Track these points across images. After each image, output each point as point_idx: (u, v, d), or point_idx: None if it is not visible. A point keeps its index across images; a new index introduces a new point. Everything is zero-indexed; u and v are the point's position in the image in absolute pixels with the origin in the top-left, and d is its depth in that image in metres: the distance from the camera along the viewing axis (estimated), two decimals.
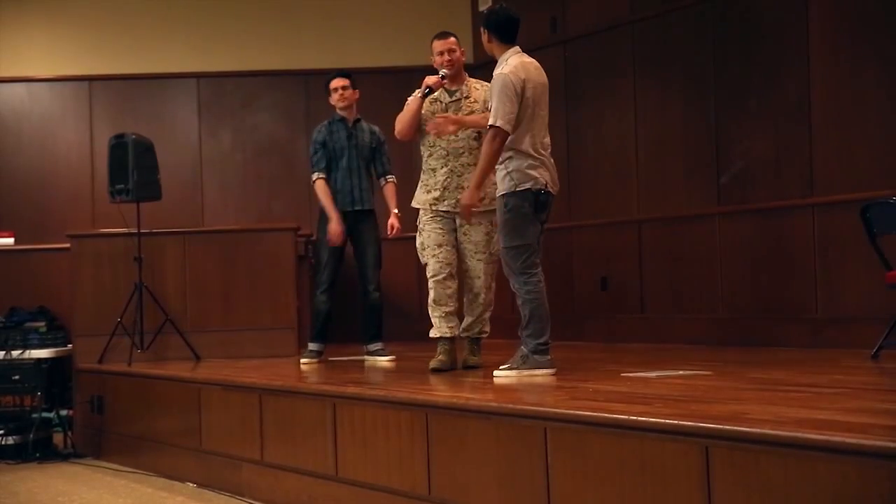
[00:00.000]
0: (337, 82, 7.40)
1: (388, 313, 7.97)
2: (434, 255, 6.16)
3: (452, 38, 6.24)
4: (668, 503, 3.57)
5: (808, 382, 4.99)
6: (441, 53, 6.22)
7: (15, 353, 8.03)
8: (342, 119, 7.40)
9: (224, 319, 8.02)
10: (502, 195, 5.44)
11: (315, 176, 7.32)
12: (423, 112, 6.26)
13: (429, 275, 6.20)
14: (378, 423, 4.99)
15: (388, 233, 7.33)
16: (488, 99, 5.63)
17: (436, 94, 6.25)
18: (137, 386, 7.28)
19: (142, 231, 7.73)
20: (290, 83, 10.14)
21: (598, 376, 5.30)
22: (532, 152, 5.38)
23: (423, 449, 4.69)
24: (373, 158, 7.46)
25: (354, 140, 7.37)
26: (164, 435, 6.91)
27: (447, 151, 6.21)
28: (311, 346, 7.30)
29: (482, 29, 5.60)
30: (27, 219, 9.78)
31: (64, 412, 8.03)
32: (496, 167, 5.47)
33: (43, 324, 8.64)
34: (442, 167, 6.21)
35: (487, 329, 6.30)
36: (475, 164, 5.87)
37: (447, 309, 6.17)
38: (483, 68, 6.26)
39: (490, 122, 5.36)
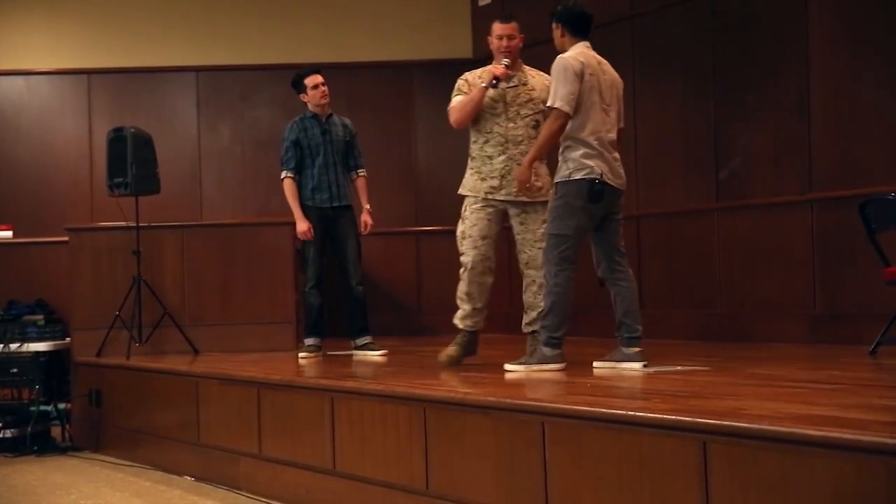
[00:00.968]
0: (317, 78, 7.40)
1: (387, 308, 8.01)
2: (476, 247, 5.93)
3: (514, 23, 6.00)
4: (665, 498, 3.57)
5: (806, 378, 5.00)
6: (501, 38, 5.97)
7: (13, 347, 8.04)
8: (315, 115, 7.41)
9: (222, 313, 8.02)
10: (557, 182, 5.44)
11: (284, 174, 7.35)
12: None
13: (466, 265, 5.96)
14: (376, 418, 4.99)
15: (362, 230, 7.34)
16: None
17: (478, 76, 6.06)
18: (135, 379, 7.28)
19: (140, 224, 7.73)
20: (289, 77, 10.06)
21: (596, 371, 5.30)
22: (591, 141, 5.35)
23: (420, 443, 4.69)
24: (346, 152, 7.46)
25: (329, 136, 7.39)
26: (163, 428, 6.91)
27: (505, 139, 5.96)
28: (309, 341, 7.30)
29: (553, 23, 5.61)
30: (26, 212, 9.77)
31: (62, 405, 8.04)
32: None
33: (41, 317, 8.64)
34: (500, 154, 5.93)
35: (536, 327, 5.87)
36: None
37: (478, 304, 6.00)
38: (481, 64, 6.21)
39: (549, 103, 5.39)
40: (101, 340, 7.66)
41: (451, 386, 5.09)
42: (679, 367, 5.54)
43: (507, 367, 5.45)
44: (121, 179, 7.68)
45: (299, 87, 7.44)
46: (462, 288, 6.02)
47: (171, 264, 8.00)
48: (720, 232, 7.87)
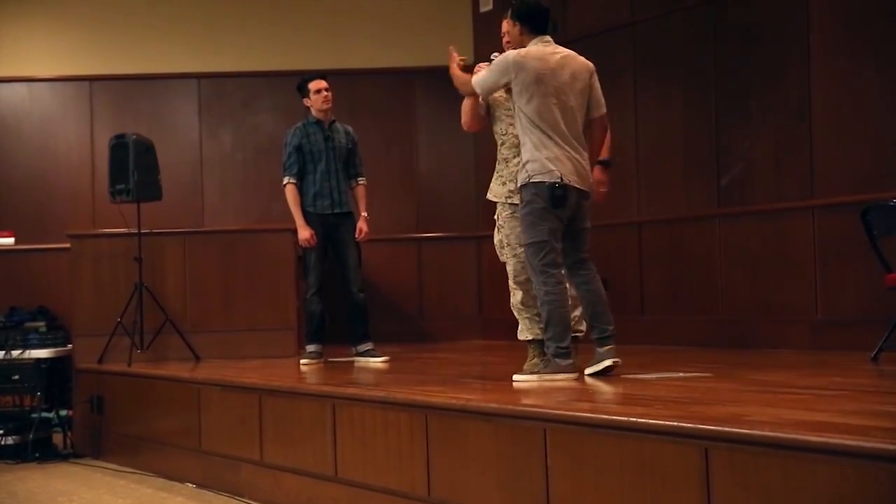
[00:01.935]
0: (321, 83, 7.38)
1: (388, 314, 8.00)
2: (516, 255, 5.68)
3: (505, 21, 5.75)
4: None
5: (807, 384, 4.99)
6: (504, 34, 5.80)
7: (15, 353, 8.04)
8: (318, 121, 7.39)
9: (224, 320, 8.02)
10: (519, 187, 5.32)
11: (286, 180, 7.31)
12: (491, 97, 5.84)
13: (511, 276, 5.76)
14: (378, 424, 4.99)
15: (357, 236, 7.31)
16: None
17: None
18: (137, 386, 7.28)
19: (142, 231, 7.73)
20: (291, 84, 10.00)
21: (598, 378, 5.29)
22: (549, 144, 5.22)
23: (422, 450, 4.69)
24: (348, 159, 7.45)
25: (332, 142, 7.37)
26: (164, 435, 6.91)
27: (518, 140, 5.68)
28: (310, 347, 7.28)
29: (511, 21, 5.51)
30: (27, 218, 9.78)
31: (63, 412, 8.04)
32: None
33: (43, 324, 8.65)
34: (514, 157, 5.69)
35: (582, 328, 5.75)
36: None
37: (534, 311, 5.64)
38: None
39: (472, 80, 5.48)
40: (102, 347, 7.67)
41: (453, 392, 5.08)
42: (681, 374, 5.52)
43: (517, 377, 5.32)
44: (122, 186, 7.69)
45: (303, 92, 7.42)
46: (515, 299, 5.77)
47: (172, 271, 8.00)
48: (721, 238, 7.87)
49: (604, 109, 5.50)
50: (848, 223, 6.64)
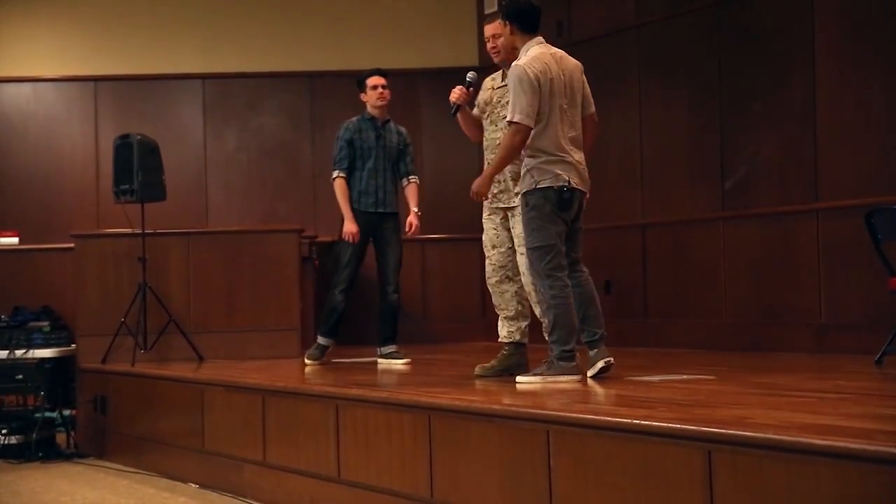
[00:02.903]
0: (378, 80, 7.32)
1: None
2: (488, 258, 5.84)
3: (494, 23, 5.70)
4: None
5: (811, 388, 4.99)
6: (487, 39, 5.80)
7: (18, 353, 8.05)
8: (372, 118, 7.32)
9: (227, 320, 8.02)
10: (523, 193, 5.29)
11: (335, 174, 7.25)
12: (478, 102, 5.88)
13: (486, 277, 5.91)
14: (381, 425, 4.99)
15: (407, 231, 7.28)
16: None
17: (487, 81, 5.87)
18: (140, 386, 7.28)
19: (146, 231, 7.74)
20: (296, 85, 10.14)
21: (602, 380, 5.29)
22: (553, 149, 5.19)
23: (425, 451, 4.69)
24: (398, 160, 7.39)
25: (383, 141, 7.29)
26: (167, 435, 6.91)
27: (490, 143, 5.79)
28: (321, 340, 7.23)
29: (502, 20, 5.43)
30: (32, 218, 9.79)
31: (67, 412, 8.04)
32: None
33: (46, 323, 8.65)
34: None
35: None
36: None
37: (507, 313, 5.79)
38: (488, 72, 6.19)
39: (508, 118, 5.20)
40: (106, 347, 7.67)
41: (456, 394, 5.08)
42: (684, 376, 5.52)
43: (520, 379, 5.31)
44: (127, 186, 7.70)
45: (361, 87, 7.35)
46: (492, 300, 5.90)
47: (176, 271, 8.00)
48: (726, 241, 7.86)
49: (593, 107, 5.48)
50: (852, 227, 6.64)
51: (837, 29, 7.20)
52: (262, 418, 5.91)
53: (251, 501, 5.90)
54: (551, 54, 5.32)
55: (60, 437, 7.94)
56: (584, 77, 5.44)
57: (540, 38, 5.37)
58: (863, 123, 7.03)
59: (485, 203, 5.81)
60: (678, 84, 8.31)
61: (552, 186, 5.19)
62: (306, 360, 7.19)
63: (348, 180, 7.26)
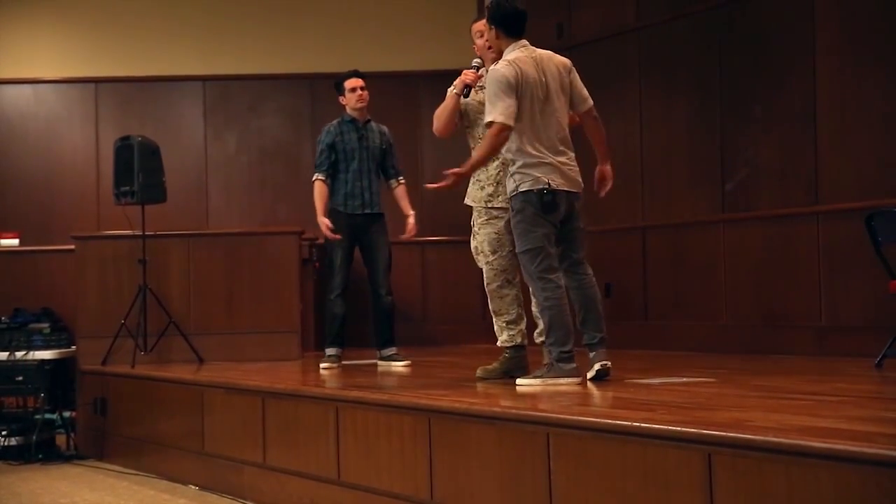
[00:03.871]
0: (356, 82, 7.32)
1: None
2: (488, 262, 5.76)
3: (483, 21, 5.64)
4: None
5: (811, 390, 4.99)
6: (482, 35, 5.76)
7: (19, 354, 8.04)
8: (353, 120, 7.33)
9: (228, 322, 8.03)
10: (509, 198, 5.30)
11: (316, 176, 7.24)
12: (464, 102, 5.85)
13: (485, 282, 5.82)
14: (381, 427, 4.99)
15: (408, 234, 7.27)
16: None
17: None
18: (140, 388, 7.28)
19: (146, 233, 7.74)
20: (296, 86, 10.14)
21: (601, 382, 5.29)
22: (532, 151, 5.18)
23: (425, 453, 4.69)
24: (383, 160, 7.40)
25: (365, 142, 7.30)
26: (167, 437, 6.91)
27: None
28: (330, 350, 7.20)
29: (487, 24, 5.43)
30: (32, 220, 9.80)
31: (67, 414, 8.04)
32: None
33: (47, 325, 8.65)
34: (493, 160, 5.65)
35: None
36: None
37: (508, 318, 5.74)
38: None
39: (488, 119, 5.17)
40: (106, 349, 7.68)
41: (456, 396, 5.08)
42: (684, 379, 5.52)
43: (520, 381, 5.31)
44: (127, 188, 7.71)
45: (339, 90, 7.36)
46: (490, 305, 5.84)
47: (176, 273, 8.01)
48: (726, 243, 7.86)
49: (590, 102, 5.44)
50: (853, 229, 6.64)
51: (838, 31, 7.20)
52: (262, 420, 5.91)
53: (251, 503, 5.90)
54: (532, 57, 5.29)
55: (60, 439, 7.95)
56: (575, 74, 5.42)
57: (524, 42, 5.34)
58: (863, 126, 7.03)
59: (480, 209, 5.80)
60: (678, 86, 8.32)
61: (532, 190, 5.18)
62: (321, 367, 7.08)
63: (333, 184, 7.25)
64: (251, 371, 6.89)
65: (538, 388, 5.15)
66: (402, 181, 7.42)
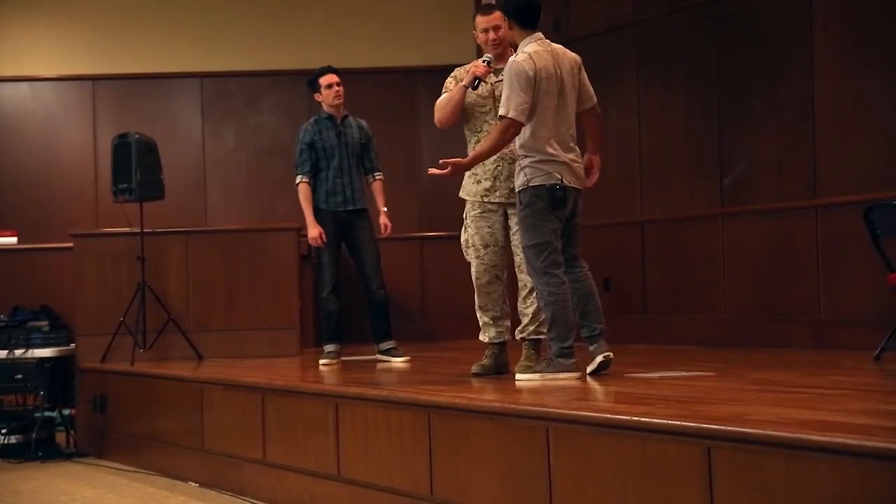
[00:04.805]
0: (331, 78, 7.29)
1: (390, 313, 7.93)
2: (478, 257, 5.73)
3: (497, 13, 5.61)
4: None
5: (810, 384, 4.99)
6: (486, 31, 5.71)
7: (18, 353, 8.05)
8: (330, 117, 7.30)
9: (227, 319, 8.02)
10: (518, 192, 5.28)
11: (299, 179, 7.24)
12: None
13: (472, 277, 5.80)
14: (380, 423, 4.99)
15: (382, 232, 7.27)
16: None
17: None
18: (140, 385, 7.28)
19: (145, 230, 7.74)
20: (294, 83, 10.10)
21: (601, 377, 5.29)
22: (546, 146, 5.17)
23: (425, 449, 4.69)
24: (362, 154, 7.38)
25: (344, 138, 7.27)
26: (167, 434, 6.91)
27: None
28: (328, 347, 7.19)
29: (503, 17, 5.44)
30: (30, 218, 9.79)
31: (66, 411, 8.04)
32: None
33: (46, 323, 8.65)
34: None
35: (545, 329, 5.54)
36: None
37: (494, 314, 5.77)
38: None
39: (501, 113, 5.15)
40: (105, 346, 7.68)
41: (456, 392, 5.08)
42: (683, 373, 5.53)
43: (520, 376, 5.31)
44: (125, 185, 7.70)
45: (314, 87, 7.32)
46: (476, 300, 5.84)
47: (175, 270, 8.01)
48: (724, 237, 7.87)
49: (595, 99, 5.47)
50: (851, 223, 6.64)
51: (836, 24, 7.20)
52: (261, 417, 5.92)
53: (251, 500, 5.90)
54: (549, 51, 5.28)
55: (60, 437, 7.95)
56: (584, 71, 5.42)
57: (539, 35, 5.33)
58: (862, 119, 7.03)
59: (474, 203, 5.79)
60: (677, 81, 8.31)
61: (544, 185, 5.18)
62: (321, 364, 7.07)
63: (315, 182, 7.24)
64: (250, 368, 6.89)
65: (537, 384, 5.15)
66: (380, 177, 7.41)
